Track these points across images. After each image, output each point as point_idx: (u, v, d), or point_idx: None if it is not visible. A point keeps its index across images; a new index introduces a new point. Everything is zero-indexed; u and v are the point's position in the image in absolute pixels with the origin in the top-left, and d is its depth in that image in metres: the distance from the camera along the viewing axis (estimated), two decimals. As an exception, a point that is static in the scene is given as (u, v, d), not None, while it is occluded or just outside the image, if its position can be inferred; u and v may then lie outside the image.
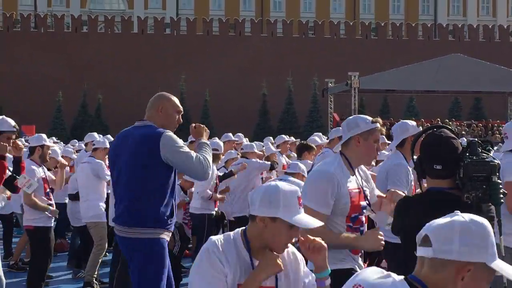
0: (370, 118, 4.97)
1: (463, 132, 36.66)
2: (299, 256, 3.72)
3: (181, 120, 5.94)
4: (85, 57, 60.19)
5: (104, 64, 59.85)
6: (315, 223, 3.54)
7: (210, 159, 5.70)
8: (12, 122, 7.38)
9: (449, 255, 2.30)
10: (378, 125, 4.95)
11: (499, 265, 2.33)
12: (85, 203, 10.26)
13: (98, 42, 61.26)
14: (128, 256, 5.75)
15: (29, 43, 60.21)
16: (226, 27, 64.11)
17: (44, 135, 9.49)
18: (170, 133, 5.62)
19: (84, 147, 15.12)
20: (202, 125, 6.11)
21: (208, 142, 5.93)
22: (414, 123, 6.69)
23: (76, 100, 56.62)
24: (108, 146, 9.96)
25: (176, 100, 5.93)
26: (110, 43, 61.42)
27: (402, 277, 2.36)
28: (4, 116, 7.45)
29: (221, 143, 11.52)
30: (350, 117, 5.10)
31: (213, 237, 3.56)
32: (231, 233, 3.60)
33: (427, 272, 2.35)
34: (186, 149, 5.59)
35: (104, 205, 10.35)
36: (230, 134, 14.61)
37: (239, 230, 3.61)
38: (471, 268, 2.30)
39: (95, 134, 13.59)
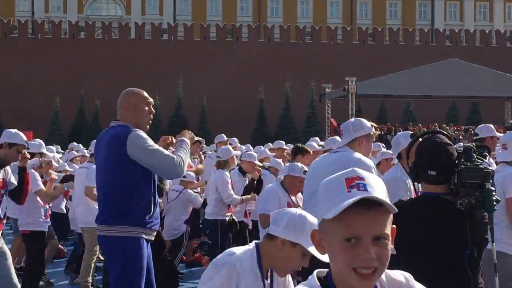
0: (369, 123, 5.72)
1: (460, 137, 36.67)
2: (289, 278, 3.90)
3: (153, 110, 5.81)
4: (82, 63, 60.19)
5: (102, 69, 59.85)
6: (324, 258, 3.64)
7: (185, 157, 5.56)
8: (24, 137, 7.73)
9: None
10: (373, 129, 5.70)
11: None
12: (81, 208, 10.25)
13: (96, 48, 61.27)
14: (106, 255, 5.73)
15: (26, 49, 60.21)
16: (223, 33, 64.17)
17: (43, 143, 9.65)
18: (137, 132, 5.51)
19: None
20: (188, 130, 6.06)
21: (188, 142, 5.79)
22: (407, 134, 6.63)
23: (74, 106, 56.62)
24: None
25: (142, 92, 5.79)
26: (108, 49, 61.45)
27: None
28: (17, 130, 7.75)
29: (230, 148, 11.48)
30: (353, 120, 5.76)
31: (235, 255, 3.64)
32: (249, 251, 3.70)
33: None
34: (155, 146, 5.49)
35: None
36: (223, 135, 14.70)
37: (254, 247, 3.70)
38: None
39: None
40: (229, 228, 10.61)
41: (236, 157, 12.22)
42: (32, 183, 8.58)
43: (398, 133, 6.80)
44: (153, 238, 5.68)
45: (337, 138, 10.71)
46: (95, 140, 11.28)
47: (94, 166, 10.24)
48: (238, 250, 3.71)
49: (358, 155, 5.50)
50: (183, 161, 5.50)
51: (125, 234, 5.45)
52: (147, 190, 5.52)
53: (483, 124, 8.41)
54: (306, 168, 8.03)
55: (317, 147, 12.27)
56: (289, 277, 3.87)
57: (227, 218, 10.54)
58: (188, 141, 5.78)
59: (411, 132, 6.92)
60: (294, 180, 7.98)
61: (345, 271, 2.10)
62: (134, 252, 5.46)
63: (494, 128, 8.09)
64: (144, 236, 5.51)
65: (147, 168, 5.48)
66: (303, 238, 3.58)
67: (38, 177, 9.24)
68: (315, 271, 2.25)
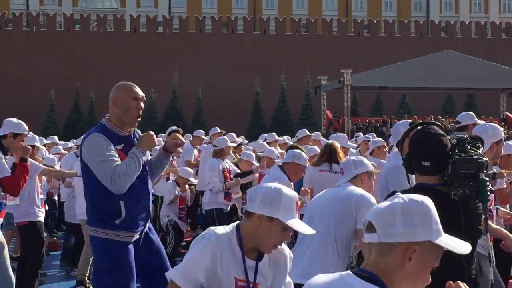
0: (370, 162, 5.92)
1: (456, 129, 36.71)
2: (288, 251, 3.88)
3: (142, 106, 5.49)
4: (77, 55, 60.08)
5: (97, 62, 59.76)
6: (308, 230, 3.71)
7: (125, 172, 5.19)
8: (25, 126, 7.80)
9: (394, 238, 2.28)
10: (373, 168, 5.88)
11: (445, 240, 2.34)
12: (80, 199, 10.22)
13: (91, 40, 61.17)
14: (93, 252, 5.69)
15: (21, 42, 60.10)
16: (219, 25, 64.09)
17: (36, 136, 9.64)
18: (91, 138, 5.31)
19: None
20: (150, 134, 5.57)
21: (140, 154, 5.34)
22: (406, 123, 6.64)
23: (69, 99, 56.56)
24: None
25: (132, 87, 5.49)
26: (103, 41, 61.35)
27: (349, 271, 2.36)
28: (19, 120, 7.78)
29: (226, 138, 11.54)
30: (352, 157, 5.98)
31: (214, 232, 3.68)
32: (228, 230, 3.71)
33: (376, 259, 2.33)
34: (101, 157, 5.21)
35: None
36: (217, 128, 14.83)
37: (234, 227, 3.71)
38: (417, 248, 2.28)
39: None
40: (229, 216, 10.67)
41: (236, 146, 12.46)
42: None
43: (398, 121, 6.83)
44: (135, 239, 5.44)
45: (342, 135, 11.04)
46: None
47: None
48: (218, 229, 3.72)
49: (361, 191, 5.48)
50: (120, 178, 5.14)
51: (100, 235, 5.34)
52: (113, 194, 5.27)
53: (464, 112, 8.53)
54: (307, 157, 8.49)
55: (308, 132, 12.68)
56: (286, 261, 3.87)
57: (223, 207, 10.59)
58: (141, 154, 5.35)
59: (410, 120, 6.91)
60: (298, 168, 8.09)
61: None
62: (110, 254, 5.32)
63: (475, 116, 8.26)
64: (119, 239, 5.33)
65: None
66: (280, 212, 3.55)
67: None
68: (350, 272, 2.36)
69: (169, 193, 11.99)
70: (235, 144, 13.26)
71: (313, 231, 3.79)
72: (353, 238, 5.23)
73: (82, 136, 5.60)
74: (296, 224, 3.61)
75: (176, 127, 13.24)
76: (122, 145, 5.37)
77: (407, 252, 2.28)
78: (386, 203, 2.35)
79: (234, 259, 3.64)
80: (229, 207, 11.11)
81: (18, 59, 59.28)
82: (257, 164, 11.22)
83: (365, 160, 5.76)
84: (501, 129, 5.93)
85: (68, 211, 11.74)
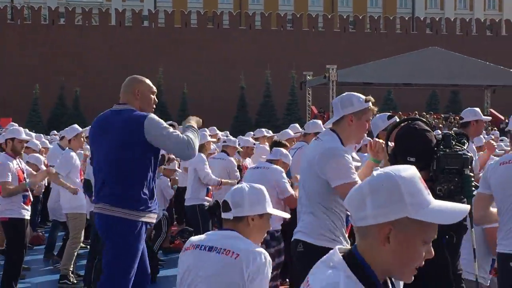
0: (363, 97, 4.98)
1: (440, 125, 36.90)
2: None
3: (157, 100, 6.05)
4: (62, 49, 59.81)
5: (82, 56, 59.52)
6: (285, 215, 4.27)
7: (196, 140, 5.72)
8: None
9: (365, 221, 2.13)
10: (370, 104, 4.98)
11: (427, 213, 2.12)
12: (67, 194, 10.17)
13: (76, 34, 60.89)
14: (104, 234, 5.76)
15: (5, 35, 59.75)
16: (204, 20, 63.98)
17: (20, 129, 9.47)
18: (154, 116, 5.72)
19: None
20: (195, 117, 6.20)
21: (195, 126, 5.95)
22: (384, 116, 6.48)
23: (53, 93, 56.30)
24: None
25: (148, 81, 6.04)
26: (88, 35, 61.08)
27: (342, 259, 2.18)
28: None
29: (206, 133, 11.56)
30: (344, 95, 5.05)
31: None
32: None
33: (359, 241, 2.19)
34: (170, 129, 5.65)
35: (84, 197, 10.26)
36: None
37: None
38: (391, 227, 2.11)
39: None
40: (213, 212, 10.65)
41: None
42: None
43: (376, 115, 6.56)
44: (154, 221, 5.90)
45: (318, 121, 10.82)
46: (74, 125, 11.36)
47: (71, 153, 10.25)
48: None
49: (326, 144, 4.92)
50: (193, 143, 5.66)
51: (126, 216, 5.58)
52: (152, 176, 5.71)
53: (469, 108, 8.08)
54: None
55: (292, 134, 12.25)
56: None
57: (208, 203, 10.57)
58: (195, 125, 5.94)
59: (388, 114, 6.70)
60: (285, 166, 8.43)
61: (408, 268, 2.18)
62: (133, 235, 5.61)
63: (479, 112, 7.89)
64: (144, 219, 5.67)
65: (163, 148, 5.75)
66: (267, 205, 3.85)
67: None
68: (337, 250, 2.21)
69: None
70: (214, 139, 13.21)
71: (288, 215, 4.26)
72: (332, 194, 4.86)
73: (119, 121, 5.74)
74: (276, 211, 4.01)
75: (172, 122, 13.11)
76: None
77: (381, 234, 2.12)
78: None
79: None
80: (211, 203, 11.14)
81: (2, 52, 58.96)
82: (241, 150, 11.44)
83: (356, 97, 4.99)
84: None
85: (53, 210, 11.71)
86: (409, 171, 2.18)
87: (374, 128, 6.46)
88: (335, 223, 4.83)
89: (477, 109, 7.92)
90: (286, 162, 8.53)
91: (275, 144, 10.05)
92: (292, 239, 5.02)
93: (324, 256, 2.23)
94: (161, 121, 5.71)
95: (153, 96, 6.00)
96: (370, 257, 2.16)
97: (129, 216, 5.58)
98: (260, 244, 3.86)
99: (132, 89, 5.91)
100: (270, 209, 3.86)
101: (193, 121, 6.02)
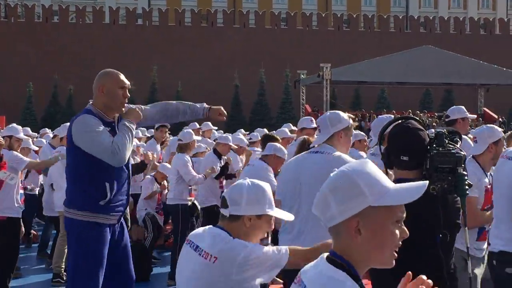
0: (347, 114, 5.45)
1: (434, 124, 36.92)
2: None
3: (128, 95, 5.61)
4: (56, 47, 59.69)
5: (75, 54, 59.39)
6: (288, 217, 3.84)
7: (126, 143, 5.35)
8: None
9: (334, 220, 2.23)
10: (351, 121, 5.44)
11: (388, 198, 2.24)
12: (59, 193, 10.21)
13: (69, 32, 60.76)
14: (68, 236, 5.72)
15: (-1, 33, 59.63)
16: (198, 18, 63.92)
17: (17, 127, 9.62)
18: (82, 118, 5.40)
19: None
20: (134, 107, 5.77)
21: (130, 125, 5.52)
22: (390, 118, 6.58)
23: (47, 91, 56.16)
24: None
25: (119, 75, 5.61)
26: (81, 33, 60.95)
27: (323, 257, 2.29)
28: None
29: (191, 132, 11.33)
30: (330, 113, 5.46)
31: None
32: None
33: (334, 242, 2.29)
34: (93, 133, 5.29)
35: None
36: (196, 123, 14.76)
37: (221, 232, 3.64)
38: (358, 219, 2.22)
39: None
40: (191, 213, 10.64)
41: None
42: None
43: (380, 116, 6.77)
44: (114, 222, 5.55)
45: (309, 118, 10.79)
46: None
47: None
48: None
49: (343, 157, 5.20)
50: (120, 148, 5.26)
51: (79, 218, 5.41)
52: (99, 176, 5.41)
53: (455, 106, 8.35)
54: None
55: (289, 133, 12.10)
56: None
57: (189, 203, 10.53)
58: (132, 124, 5.54)
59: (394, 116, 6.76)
60: (279, 161, 8.31)
61: (389, 252, 2.26)
62: (88, 236, 5.39)
63: (465, 110, 8.09)
64: (99, 221, 5.42)
65: (88, 152, 5.35)
66: (266, 206, 3.60)
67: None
68: (324, 256, 2.29)
69: (146, 188, 11.93)
70: (199, 137, 13.14)
71: (292, 217, 3.90)
72: None
73: (65, 124, 5.64)
74: (278, 213, 3.70)
75: (138, 106, 13.06)
76: (109, 129, 5.45)
77: (350, 228, 2.22)
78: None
79: None
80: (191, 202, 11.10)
81: (-5, 50, 58.84)
82: (235, 147, 11.25)
83: (342, 115, 5.41)
84: (499, 129, 5.95)
85: (47, 204, 11.70)
86: (363, 164, 2.31)
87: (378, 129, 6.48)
88: None
89: (462, 107, 8.16)
90: (280, 156, 8.39)
91: (266, 137, 10.03)
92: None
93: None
94: (89, 123, 5.33)
95: (122, 91, 5.55)
96: (348, 254, 2.24)
97: (78, 217, 5.40)
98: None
99: (97, 85, 5.58)
100: (271, 211, 3.63)
101: (132, 116, 5.63)
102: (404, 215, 2.28)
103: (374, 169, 2.30)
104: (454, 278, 4.06)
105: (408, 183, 2.35)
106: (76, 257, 5.46)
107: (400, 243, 2.27)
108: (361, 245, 2.23)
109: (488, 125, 5.98)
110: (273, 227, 3.77)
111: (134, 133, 5.53)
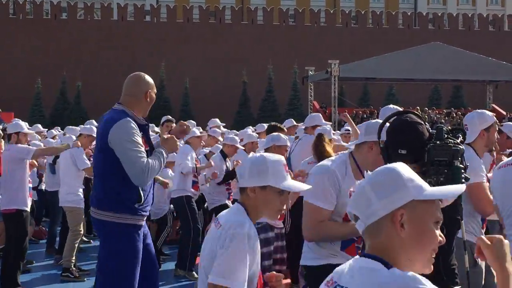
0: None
1: (442, 121, 36.87)
2: None
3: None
4: (64, 44, 59.83)
5: (84, 51, 59.53)
6: (304, 186, 3.77)
7: (156, 168, 5.44)
8: None
9: (376, 215, 2.20)
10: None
11: (431, 192, 2.24)
12: (64, 188, 10.39)
13: (78, 29, 60.89)
14: (100, 237, 5.75)
15: (7, 30, 59.75)
16: (206, 15, 63.93)
17: (22, 123, 9.78)
18: (125, 123, 5.39)
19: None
20: (174, 139, 5.88)
21: (165, 155, 5.65)
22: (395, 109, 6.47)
23: (55, 87, 56.29)
24: (93, 134, 10.23)
25: (151, 80, 5.78)
26: (90, 30, 61.07)
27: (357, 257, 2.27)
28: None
29: (196, 131, 11.40)
30: (372, 122, 4.90)
31: (244, 228, 3.51)
32: (239, 212, 3.62)
33: (371, 243, 2.24)
34: (133, 144, 5.34)
35: (82, 191, 10.45)
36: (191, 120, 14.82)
37: (237, 206, 3.65)
38: (403, 211, 2.18)
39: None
40: (198, 207, 10.75)
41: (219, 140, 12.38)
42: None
43: (383, 107, 6.56)
44: (141, 223, 5.58)
45: (317, 115, 10.76)
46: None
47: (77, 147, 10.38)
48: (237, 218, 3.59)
49: None
50: (149, 172, 5.35)
51: (111, 220, 5.41)
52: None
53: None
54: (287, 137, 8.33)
55: (294, 122, 12.39)
56: None
57: (190, 195, 10.59)
58: (166, 152, 5.68)
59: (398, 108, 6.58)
60: (280, 149, 7.94)
61: (429, 254, 2.23)
62: (118, 237, 5.43)
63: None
64: (132, 222, 5.46)
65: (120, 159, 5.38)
66: (270, 178, 3.57)
67: None
68: (362, 257, 2.24)
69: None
70: (205, 134, 13.16)
71: (309, 186, 3.84)
72: None
73: (104, 122, 5.54)
74: (290, 185, 3.62)
75: (169, 117, 13.16)
76: (142, 133, 5.53)
77: (395, 220, 2.18)
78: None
79: (255, 236, 3.60)
80: (197, 196, 11.14)
81: (4, 46, 58.97)
82: (242, 148, 11.20)
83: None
84: (491, 114, 5.74)
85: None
86: (400, 163, 2.31)
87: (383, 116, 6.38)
88: None
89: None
90: (280, 144, 7.99)
91: (271, 127, 10.01)
92: None
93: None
94: (130, 131, 5.37)
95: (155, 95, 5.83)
96: (389, 254, 2.20)
97: (113, 219, 5.42)
98: (274, 217, 3.74)
99: (142, 89, 5.66)
100: (277, 183, 3.56)
101: (168, 145, 5.74)
102: (442, 217, 2.26)
103: (409, 168, 2.31)
104: (453, 274, 4.07)
105: (442, 187, 2.35)
106: (108, 261, 5.49)
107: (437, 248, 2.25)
108: (404, 241, 2.19)
109: (478, 110, 5.82)
110: (287, 202, 3.72)
111: (164, 163, 5.67)
